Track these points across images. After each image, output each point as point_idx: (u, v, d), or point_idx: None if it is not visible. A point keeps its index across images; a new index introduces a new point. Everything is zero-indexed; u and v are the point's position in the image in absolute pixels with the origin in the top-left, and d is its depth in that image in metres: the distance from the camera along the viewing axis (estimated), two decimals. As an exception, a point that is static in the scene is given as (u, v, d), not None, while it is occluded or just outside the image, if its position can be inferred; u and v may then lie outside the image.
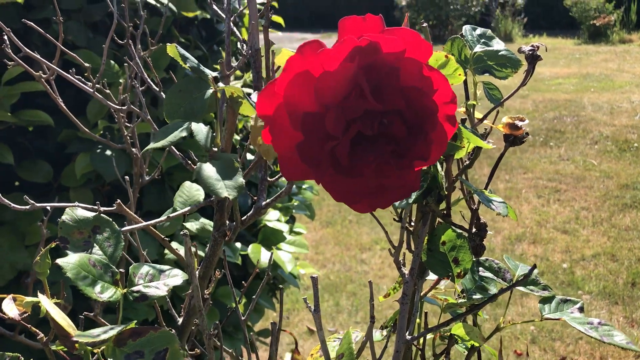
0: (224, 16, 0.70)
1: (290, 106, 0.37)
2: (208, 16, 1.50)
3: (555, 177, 3.92)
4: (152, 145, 0.43)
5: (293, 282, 1.70)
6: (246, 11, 1.48)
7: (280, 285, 1.64)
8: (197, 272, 0.60)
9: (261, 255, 1.47)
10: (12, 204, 0.49)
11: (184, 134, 0.44)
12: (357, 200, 0.40)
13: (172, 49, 0.49)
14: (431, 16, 10.43)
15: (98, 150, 1.19)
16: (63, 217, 0.50)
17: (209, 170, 0.43)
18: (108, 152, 1.19)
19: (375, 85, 0.37)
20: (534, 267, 0.56)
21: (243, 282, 0.78)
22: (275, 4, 1.82)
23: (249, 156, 1.46)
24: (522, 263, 0.66)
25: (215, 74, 0.49)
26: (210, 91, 0.47)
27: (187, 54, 0.49)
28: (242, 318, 0.75)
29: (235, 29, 0.72)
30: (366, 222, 3.41)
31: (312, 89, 0.36)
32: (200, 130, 0.45)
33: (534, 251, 3.00)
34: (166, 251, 1.26)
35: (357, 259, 3.03)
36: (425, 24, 0.51)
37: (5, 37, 0.75)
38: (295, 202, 1.80)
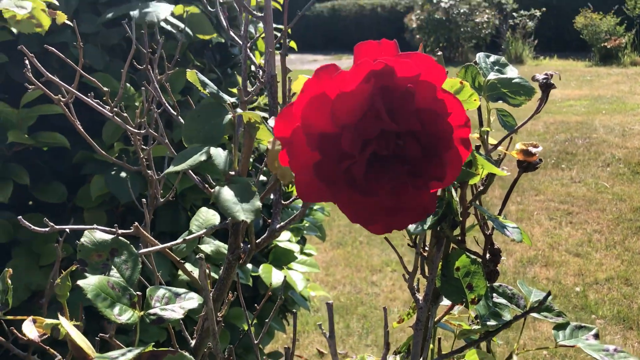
0: (240, 42, 0.72)
1: (307, 127, 0.37)
2: (222, 40, 1.52)
3: (567, 199, 3.90)
4: (171, 168, 0.44)
5: (303, 304, 1.69)
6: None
7: (294, 310, 1.64)
8: (211, 295, 0.61)
9: (272, 276, 1.47)
10: (33, 226, 0.50)
11: (203, 157, 0.45)
12: (372, 221, 0.41)
13: (192, 75, 0.50)
14: (442, 38, 10.49)
15: (113, 172, 1.20)
16: (82, 240, 0.51)
17: (226, 193, 0.44)
18: (123, 174, 1.20)
19: (390, 107, 0.38)
20: (549, 294, 0.56)
21: (256, 305, 0.78)
22: (289, 30, 1.85)
23: (261, 177, 1.47)
24: (535, 288, 0.66)
25: (233, 99, 0.50)
26: (229, 116, 0.48)
27: (207, 80, 0.50)
28: (255, 341, 0.75)
29: (250, 54, 0.74)
30: (377, 243, 3.40)
31: (329, 110, 0.37)
32: (218, 154, 0.46)
33: (546, 274, 2.97)
34: (179, 272, 1.27)
35: (367, 281, 3.01)
36: (440, 52, 0.52)
37: (27, 62, 0.76)
38: (306, 223, 1.81)
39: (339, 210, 0.40)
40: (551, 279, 2.93)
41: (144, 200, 0.78)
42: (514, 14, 10.87)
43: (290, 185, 1.77)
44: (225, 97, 0.49)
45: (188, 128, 0.49)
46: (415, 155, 0.38)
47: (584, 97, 6.81)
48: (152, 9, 1.21)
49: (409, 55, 0.39)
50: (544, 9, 10.71)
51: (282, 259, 1.54)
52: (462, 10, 10.37)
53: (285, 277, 1.41)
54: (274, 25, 1.53)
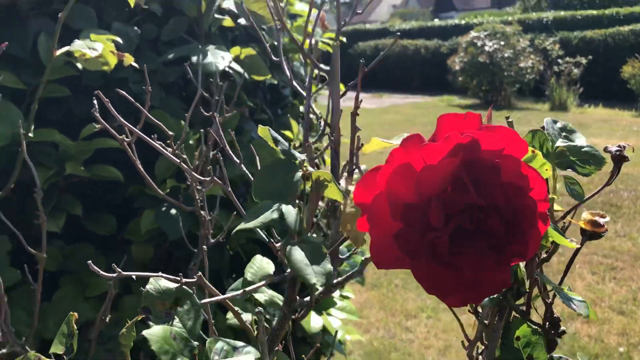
0: (304, 93, 0.73)
1: (392, 196, 0.38)
2: (275, 82, 1.55)
3: (611, 253, 3.79)
4: (243, 225, 0.45)
5: (339, 348, 1.67)
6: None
7: (331, 352, 1.61)
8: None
9: (311, 320, 1.46)
10: (102, 272, 0.51)
11: (275, 215, 0.46)
12: (450, 293, 0.40)
13: (264, 131, 0.51)
14: (484, 81, 10.46)
15: (163, 209, 1.22)
16: (147, 287, 0.52)
17: (298, 254, 0.44)
18: (173, 211, 1.22)
19: (475, 181, 0.38)
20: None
21: (304, 355, 0.77)
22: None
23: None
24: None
25: (303, 156, 0.51)
26: (299, 174, 0.49)
27: (279, 137, 0.51)
28: (301, 393, 0.74)
29: (312, 105, 0.75)
30: (412, 287, 3.35)
31: (414, 181, 0.37)
32: (290, 212, 0.46)
33: (588, 331, 2.87)
34: (227, 317, 1.27)
35: (402, 326, 2.96)
36: (511, 119, 0.51)
37: (95, 102, 0.79)
38: (346, 266, 1.79)
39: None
40: (593, 336, 2.82)
41: (195, 235, 0.78)
42: (559, 60, 10.79)
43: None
44: (297, 154, 0.50)
45: (258, 183, 0.49)
46: (499, 231, 0.38)
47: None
48: (212, 58, 1.24)
49: (493, 129, 0.39)
50: (590, 57, 10.60)
51: (322, 303, 1.53)
52: (506, 55, 10.35)
53: (323, 322, 1.40)
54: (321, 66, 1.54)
